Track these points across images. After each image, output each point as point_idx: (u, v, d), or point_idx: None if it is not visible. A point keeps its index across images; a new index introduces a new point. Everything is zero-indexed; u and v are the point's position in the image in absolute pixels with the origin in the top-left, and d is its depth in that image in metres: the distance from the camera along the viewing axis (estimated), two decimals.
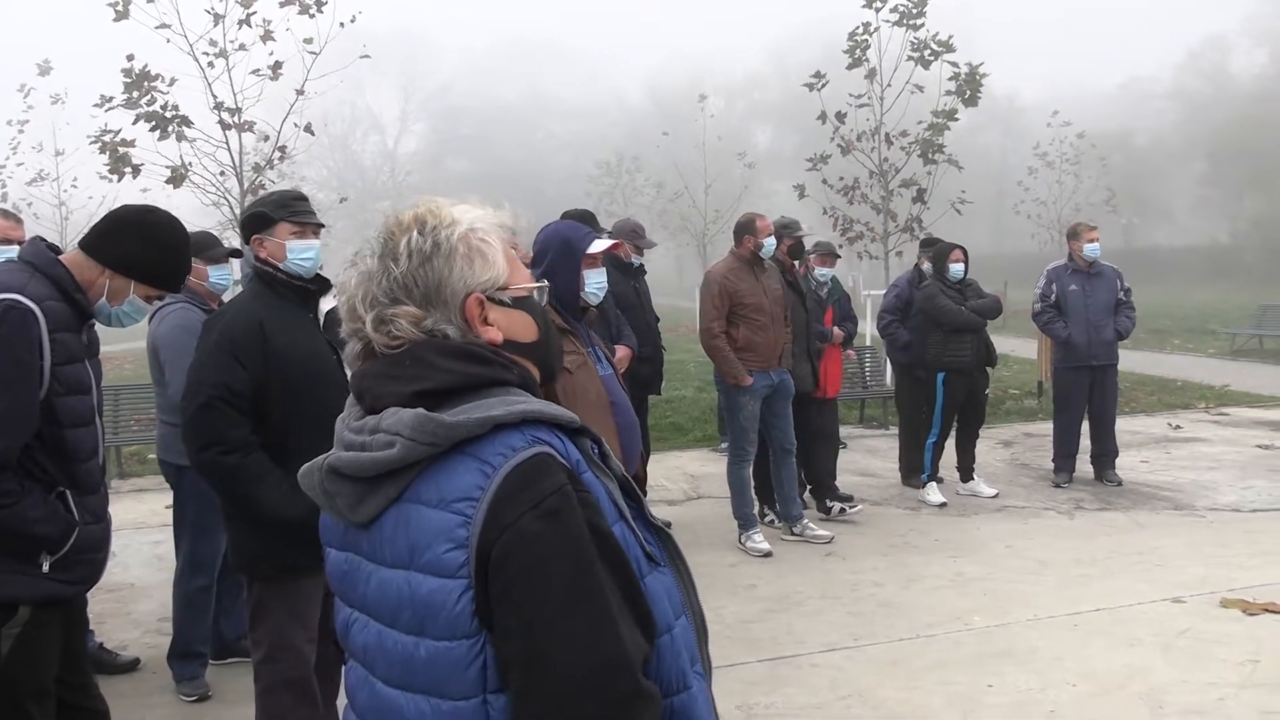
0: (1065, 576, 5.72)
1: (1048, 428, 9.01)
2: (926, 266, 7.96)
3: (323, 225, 3.38)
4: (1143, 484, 7.96)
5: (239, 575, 3.46)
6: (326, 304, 3.34)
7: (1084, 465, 8.14)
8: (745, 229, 6.37)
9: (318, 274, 3.33)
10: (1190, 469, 8.49)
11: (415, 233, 1.38)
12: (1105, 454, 8.05)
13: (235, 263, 4.83)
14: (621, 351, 5.71)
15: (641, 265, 6.89)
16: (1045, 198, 28.07)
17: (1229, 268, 42.20)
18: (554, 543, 1.22)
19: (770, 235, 6.31)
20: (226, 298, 4.62)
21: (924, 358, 7.71)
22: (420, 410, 1.28)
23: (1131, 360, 8.37)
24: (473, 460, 1.26)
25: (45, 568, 2.61)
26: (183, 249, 2.87)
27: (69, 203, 19.44)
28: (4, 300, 2.50)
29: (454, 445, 1.27)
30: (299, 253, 3.27)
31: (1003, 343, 7.98)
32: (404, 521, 1.30)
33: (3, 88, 19.17)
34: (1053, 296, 8.00)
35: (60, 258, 2.69)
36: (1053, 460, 8.20)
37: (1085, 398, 7.99)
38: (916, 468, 8.00)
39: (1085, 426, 8.12)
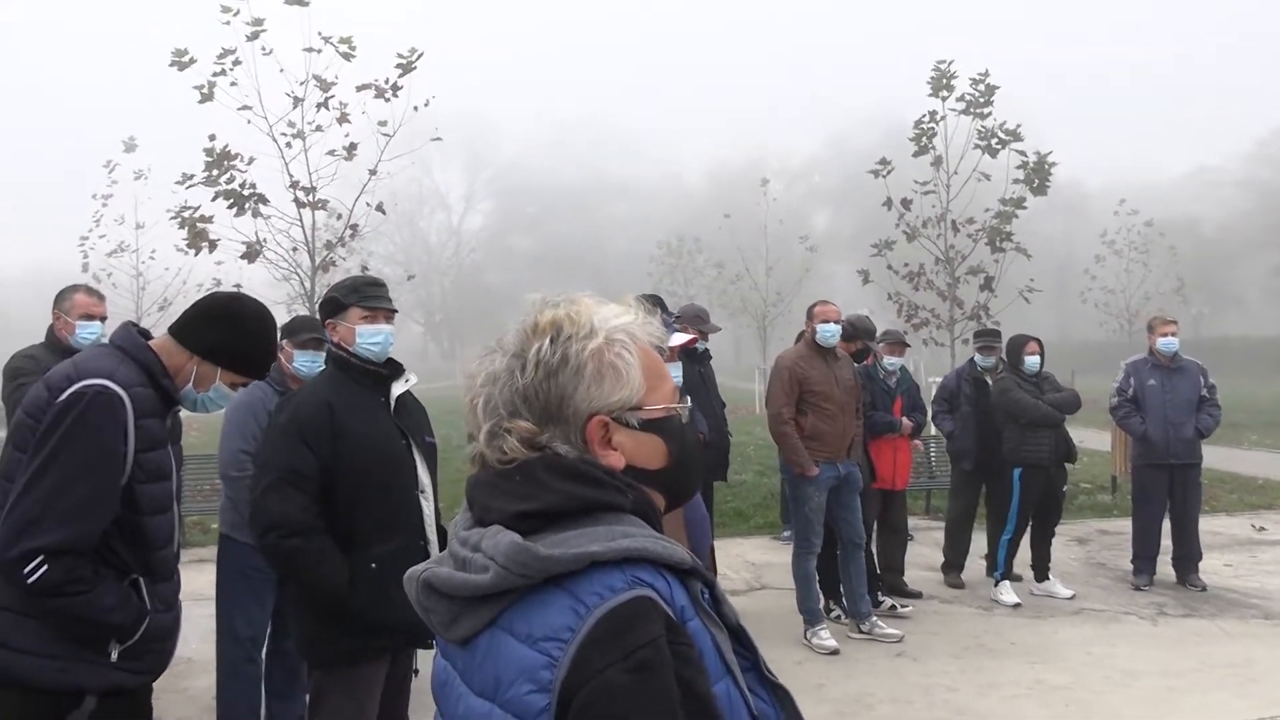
0: (1153, 689, 5.40)
1: (1123, 525, 8.68)
2: (978, 358, 7.79)
3: (395, 310, 3.37)
4: (1228, 589, 7.57)
5: (300, 659, 3.40)
6: (399, 388, 3.31)
7: (1164, 567, 7.78)
8: (808, 314, 6.32)
9: (390, 358, 3.31)
10: (1278, 574, 8.07)
11: (547, 341, 1.29)
12: (1188, 557, 7.68)
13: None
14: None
15: (707, 350, 6.84)
16: (1113, 286, 27.67)
17: None
18: (638, 700, 1.11)
19: (828, 321, 6.20)
20: None
21: (969, 450, 7.60)
22: (515, 539, 1.20)
23: (1209, 457, 8.03)
24: (566, 597, 1.17)
25: (114, 656, 2.55)
26: (270, 337, 2.86)
27: (146, 273, 19.99)
28: (94, 386, 2.49)
29: (550, 578, 1.19)
30: (368, 337, 3.26)
31: (1073, 434, 7.71)
32: (494, 650, 1.22)
33: (91, 163, 19.90)
34: (1130, 391, 7.75)
35: (151, 343, 2.69)
36: (1132, 561, 7.84)
37: (1165, 496, 7.67)
38: (956, 564, 7.82)
39: (1165, 526, 7.77)
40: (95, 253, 19.81)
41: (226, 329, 2.74)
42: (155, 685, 5.57)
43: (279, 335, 4.65)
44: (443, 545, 3.37)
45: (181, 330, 2.73)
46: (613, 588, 1.16)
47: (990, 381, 7.64)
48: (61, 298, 4.72)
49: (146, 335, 2.71)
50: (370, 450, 3.17)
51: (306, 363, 4.49)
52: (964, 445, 7.68)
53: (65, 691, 2.50)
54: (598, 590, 1.16)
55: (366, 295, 3.31)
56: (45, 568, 2.37)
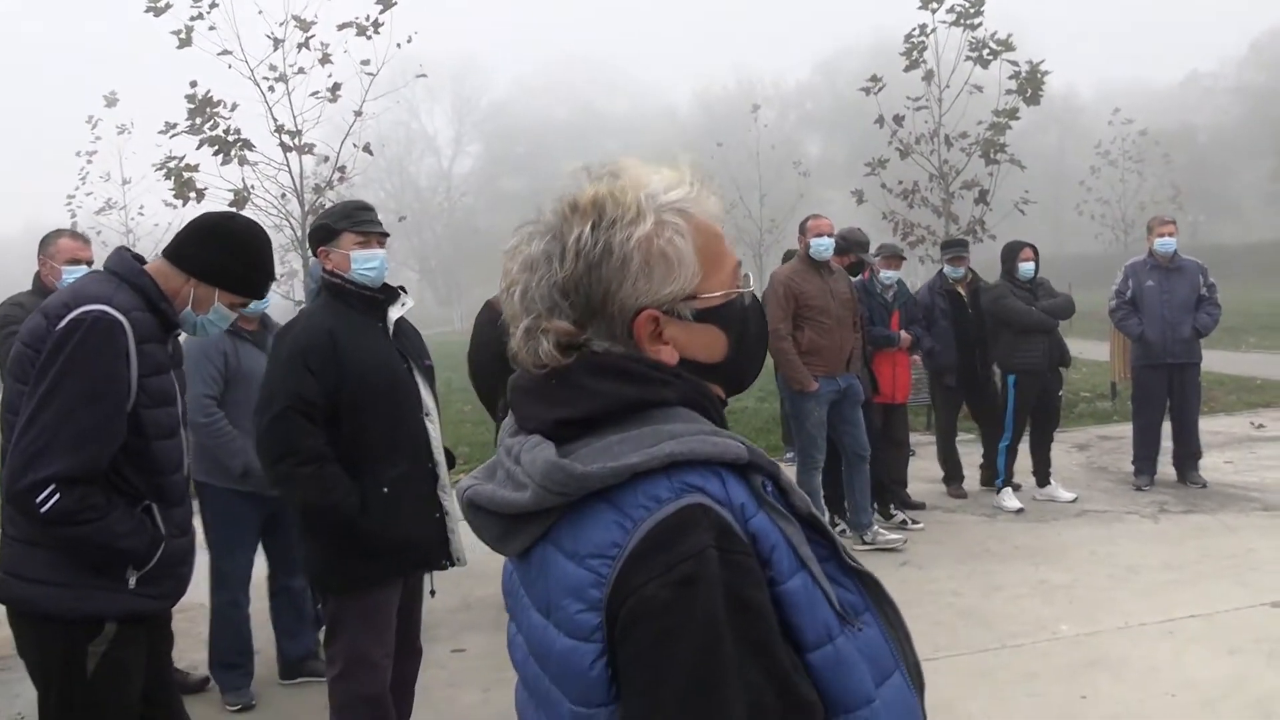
0: (1155, 582, 5.49)
1: (1124, 430, 8.75)
2: (948, 269, 7.71)
3: (387, 234, 3.35)
4: (1229, 485, 7.66)
5: (314, 590, 3.44)
6: (395, 313, 3.31)
7: (1165, 467, 7.86)
8: (801, 230, 6.30)
9: (385, 283, 3.30)
10: (1277, 468, 8.16)
11: (588, 227, 1.16)
12: (1189, 455, 7.76)
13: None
14: None
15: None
16: (1108, 197, 27.48)
17: None
18: (680, 618, 1.04)
19: (821, 235, 6.18)
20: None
21: (950, 364, 7.60)
22: (550, 456, 1.12)
23: (1208, 359, 8.06)
24: (612, 511, 1.09)
25: (132, 583, 2.57)
26: (265, 255, 2.82)
27: (136, 230, 19.84)
28: (92, 311, 2.46)
29: (594, 491, 1.11)
30: (363, 262, 3.25)
31: (1071, 345, 7.73)
32: (546, 566, 1.16)
33: (72, 120, 19.67)
34: (1129, 293, 7.75)
35: (145, 267, 2.66)
36: (1133, 462, 7.92)
37: (1164, 397, 7.72)
38: (955, 474, 7.91)
39: (1166, 428, 7.84)
40: (83, 211, 19.66)
41: (221, 248, 2.71)
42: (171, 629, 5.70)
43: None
44: (450, 466, 3.41)
45: (176, 252, 2.70)
46: (658, 498, 1.08)
47: (963, 293, 7.63)
48: (46, 243, 4.65)
49: (141, 260, 2.69)
50: (374, 375, 3.18)
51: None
52: (945, 360, 7.65)
53: (84, 620, 2.52)
54: (643, 502, 1.08)
55: (359, 220, 3.28)
56: (57, 496, 2.38)
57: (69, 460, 2.39)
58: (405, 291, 3.44)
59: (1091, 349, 15.61)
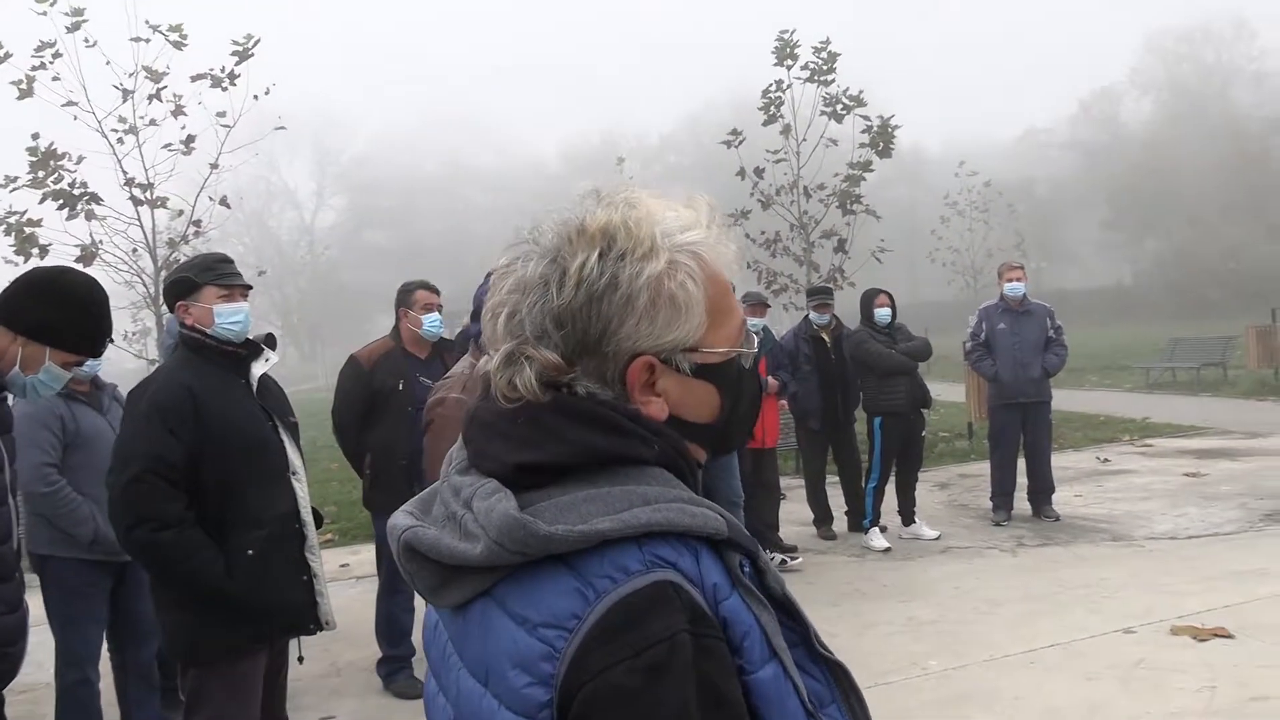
0: (1016, 614, 5.71)
1: (982, 468, 9.10)
2: (813, 316, 7.96)
3: (250, 287, 3.26)
4: (1080, 518, 8.05)
5: (168, 661, 3.26)
6: (259, 369, 3.20)
7: (1021, 503, 8.22)
8: None
9: (247, 338, 3.20)
10: (1123, 500, 8.63)
11: (594, 255, 1.04)
12: (1042, 490, 8.14)
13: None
14: None
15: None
16: (958, 245, 28.84)
17: (1134, 306, 43.85)
18: (648, 708, 0.92)
19: None
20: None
21: (814, 408, 7.82)
22: (510, 511, 0.99)
23: (1055, 399, 8.49)
24: (572, 577, 0.98)
25: None
26: (101, 312, 2.68)
27: None
28: None
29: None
30: (228, 316, 3.14)
31: (929, 387, 8.04)
32: (487, 627, 1.03)
33: None
34: (983, 335, 8.13)
35: None
36: (991, 499, 8.25)
37: (1018, 435, 8.09)
38: (825, 516, 8.10)
39: (1021, 464, 8.20)
40: None
41: (51, 305, 2.57)
42: (12, 715, 5.32)
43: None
44: (318, 525, 3.30)
45: (3, 309, 2.55)
46: (626, 569, 0.97)
47: (827, 339, 7.87)
48: None
49: None
50: (237, 434, 3.06)
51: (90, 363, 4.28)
52: (809, 404, 7.86)
53: None
54: (609, 572, 0.97)
55: (222, 273, 3.18)
56: None
57: None
58: (273, 346, 3.34)
59: (949, 390, 16.24)
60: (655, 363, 1.07)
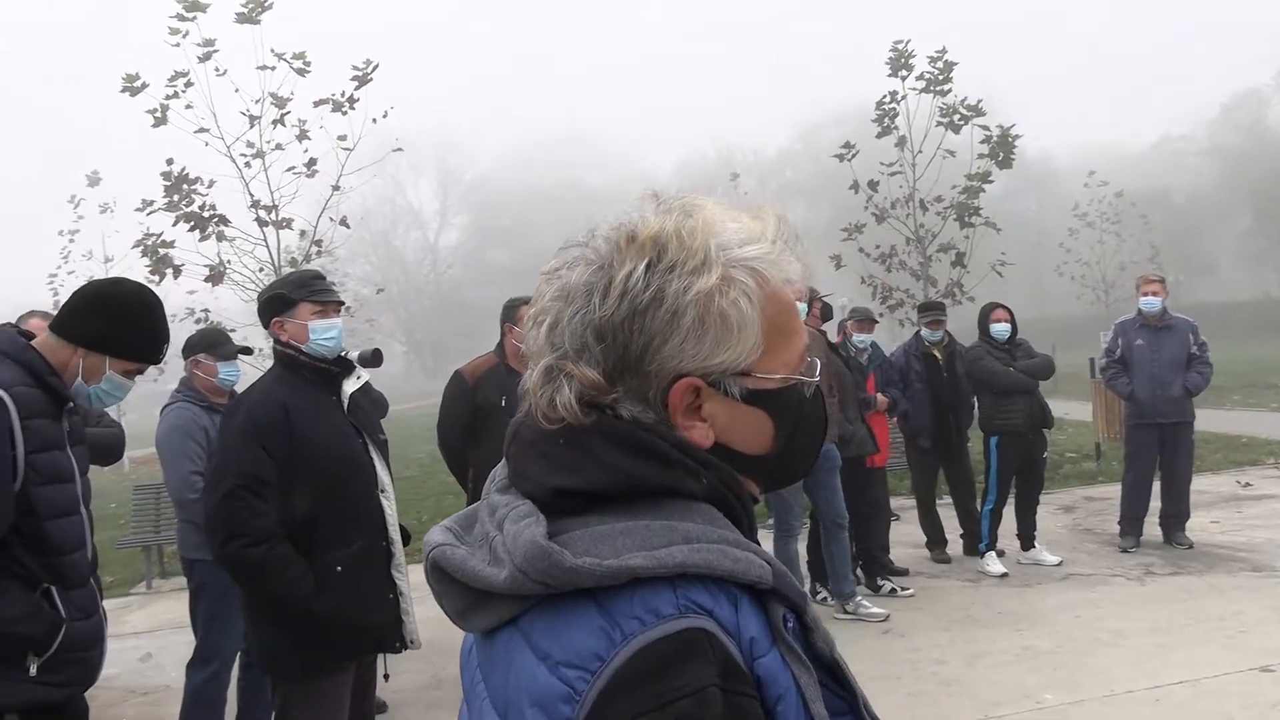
0: (1141, 647, 5.38)
1: (1109, 491, 8.68)
2: (925, 332, 7.74)
3: (344, 304, 3.30)
4: (1216, 545, 7.57)
5: (263, 674, 3.32)
6: (350, 386, 3.24)
7: (1152, 528, 7.77)
8: None
9: (340, 355, 3.24)
10: (1265, 528, 8.08)
11: (642, 265, 0.97)
12: (1176, 515, 7.68)
13: (243, 360, 4.78)
14: None
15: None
16: (1088, 258, 27.79)
17: None
18: None
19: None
20: None
21: (925, 427, 7.59)
22: (537, 539, 0.93)
23: (1200, 418, 8.01)
24: (599, 615, 0.91)
25: (32, 671, 2.45)
26: (154, 319, 2.74)
27: None
28: None
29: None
30: (322, 333, 3.18)
31: (1056, 406, 7.70)
32: (511, 659, 0.97)
33: (56, 199, 19.77)
34: (1118, 351, 7.74)
35: (33, 343, 2.59)
36: (1119, 523, 7.83)
37: (1154, 456, 7.66)
38: (938, 538, 7.81)
39: (1155, 487, 7.76)
40: (65, 290, 19.69)
41: (106, 315, 2.63)
42: (130, 713, 5.54)
43: (190, 349, 4.62)
44: (405, 543, 3.31)
45: (61, 323, 2.63)
46: (658, 612, 0.90)
47: (939, 356, 7.63)
48: (19, 323, 4.59)
49: (29, 336, 2.61)
50: (328, 451, 3.10)
51: (231, 374, 4.48)
52: (919, 423, 7.65)
53: None
54: (638, 614, 0.90)
55: (316, 289, 3.23)
56: None
57: None
58: (378, 363, 3.38)
59: (1077, 409, 15.61)
60: (701, 385, 0.99)
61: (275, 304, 3.20)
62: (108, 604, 7.99)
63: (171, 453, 4.39)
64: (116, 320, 2.64)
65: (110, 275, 18.34)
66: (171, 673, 6.24)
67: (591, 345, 0.98)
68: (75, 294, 2.68)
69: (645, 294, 0.96)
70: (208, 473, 3.09)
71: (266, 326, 3.25)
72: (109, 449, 4.66)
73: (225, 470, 2.99)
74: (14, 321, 4.71)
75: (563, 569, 0.91)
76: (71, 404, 2.64)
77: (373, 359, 3.57)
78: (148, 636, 7.10)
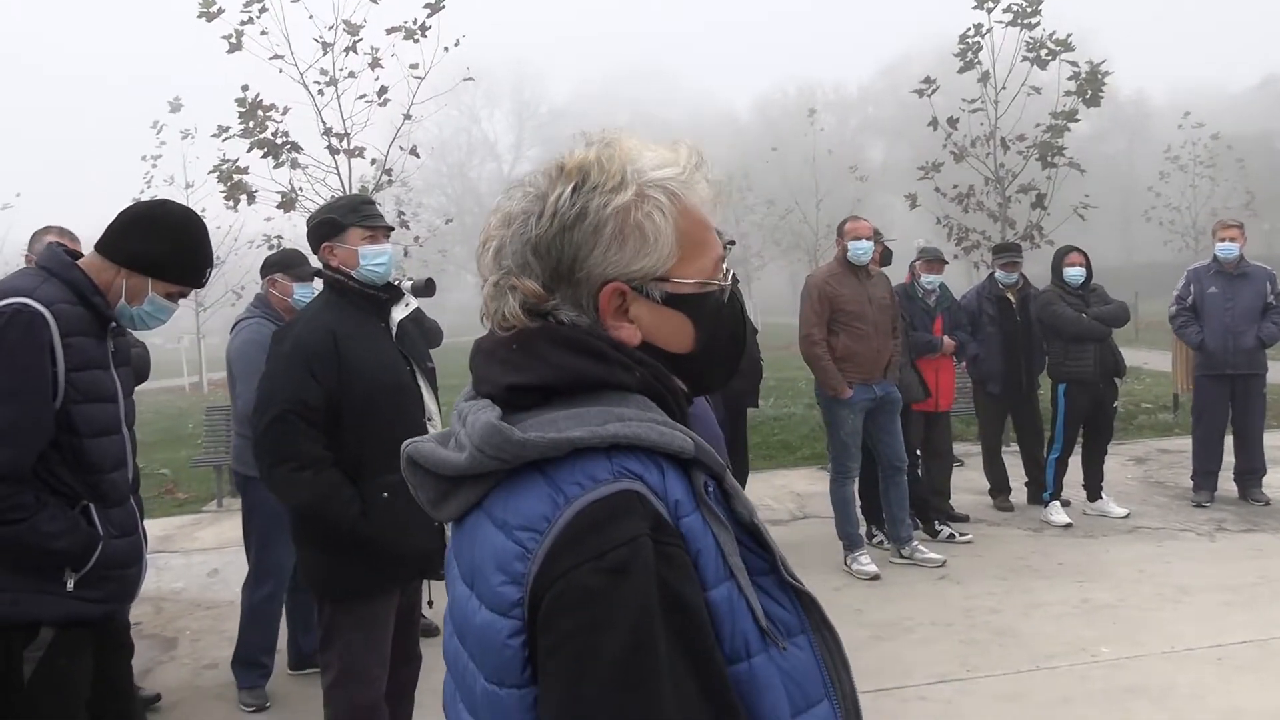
0: (1206, 605, 5.23)
1: (1184, 444, 8.41)
2: (1000, 275, 7.52)
3: (392, 229, 3.28)
4: None
5: (311, 596, 3.38)
6: (399, 313, 3.24)
7: (1226, 484, 7.53)
8: (838, 231, 6.14)
9: (389, 281, 3.23)
10: None
11: (569, 189, 1.12)
12: (1250, 471, 7.43)
13: (319, 282, 4.81)
14: None
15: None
16: (1178, 203, 26.70)
17: None
18: (610, 608, 0.98)
19: (860, 238, 5.98)
20: None
21: (995, 371, 7.40)
22: (490, 420, 1.07)
23: (1272, 371, 7.71)
24: (546, 484, 1.05)
25: (70, 586, 2.50)
26: (197, 241, 2.73)
27: None
28: (11, 305, 2.41)
29: (531, 462, 1.07)
30: (372, 258, 3.17)
31: (1135, 355, 7.47)
32: (476, 533, 1.11)
33: (139, 123, 20.11)
34: (1189, 299, 7.45)
35: (78, 262, 2.60)
36: (1191, 477, 7.60)
37: (1225, 409, 7.40)
38: (1002, 485, 7.64)
39: (1229, 442, 7.50)
40: None
41: (149, 236, 2.62)
42: (195, 626, 5.73)
43: (268, 267, 4.65)
44: None
45: (105, 243, 2.62)
46: (595, 477, 1.03)
47: (1013, 299, 7.41)
48: (34, 239, 4.56)
49: (75, 255, 2.62)
50: (376, 378, 3.09)
51: (306, 294, 4.49)
52: (989, 367, 7.46)
53: (18, 625, 2.45)
54: (579, 479, 1.04)
55: (366, 214, 3.20)
56: None
57: None
58: (431, 292, 3.38)
59: (1157, 359, 15.14)
60: (626, 289, 1.13)
61: (324, 229, 3.18)
62: (180, 520, 8.28)
63: (245, 367, 4.40)
64: (160, 242, 2.63)
65: (189, 200, 18.69)
66: (235, 588, 6.38)
67: (531, 261, 1.13)
68: (120, 214, 2.67)
69: (571, 211, 1.11)
70: (258, 398, 3.10)
71: (316, 251, 3.24)
72: (135, 371, 4.72)
73: (273, 396, 3.00)
74: (35, 234, 4.74)
75: (512, 442, 1.05)
76: (115, 324, 2.66)
77: (425, 289, 3.56)
78: (215, 553, 7.33)
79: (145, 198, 19.10)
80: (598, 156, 1.14)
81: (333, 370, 3.03)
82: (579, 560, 0.99)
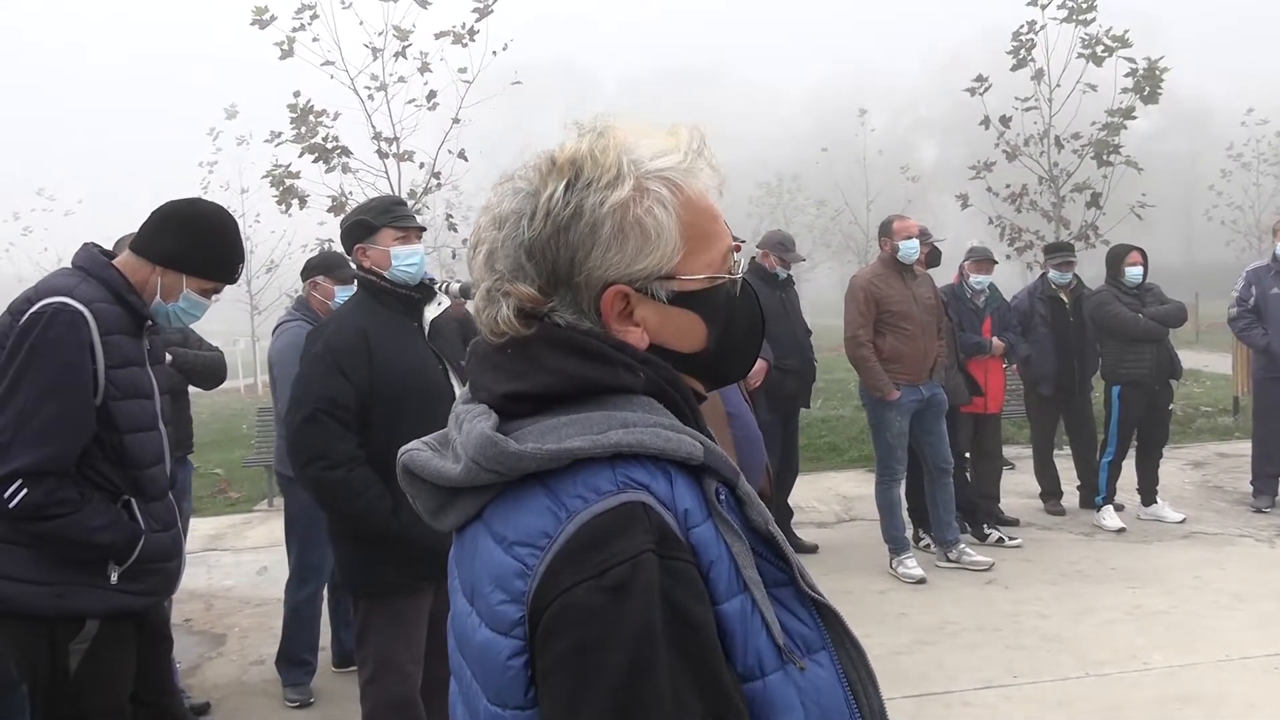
0: (1264, 613, 5.07)
1: (1244, 448, 8.19)
2: (1053, 274, 7.36)
3: (424, 229, 3.30)
4: None
5: (346, 592, 3.41)
6: (431, 312, 3.25)
7: None
8: (884, 230, 6.05)
9: (422, 281, 3.25)
10: None
11: (561, 186, 1.04)
12: None
13: None
14: (756, 364, 5.48)
15: (789, 277, 6.75)
16: (1241, 202, 26.06)
17: None
18: (611, 626, 0.93)
19: (910, 238, 5.89)
20: None
21: (1048, 373, 7.24)
22: (485, 430, 1.02)
23: None
24: (547, 497, 1.00)
25: (113, 579, 2.55)
26: (229, 238, 2.77)
27: (253, 237, 20.59)
28: (52, 304, 2.46)
29: (532, 473, 1.01)
30: (404, 259, 3.19)
31: (1195, 358, 7.30)
32: (476, 547, 1.06)
33: (196, 130, 20.51)
34: (1251, 300, 7.24)
35: (114, 261, 2.65)
36: (1251, 482, 7.39)
37: None
38: (1053, 489, 7.50)
39: None
40: None
41: (181, 234, 2.67)
42: (243, 623, 5.82)
43: (309, 270, 4.70)
44: None
45: (140, 242, 2.68)
46: (598, 489, 0.98)
47: (1066, 300, 7.27)
48: (117, 246, 4.71)
49: (110, 255, 2.67)
50: (408, 377, 3.11)
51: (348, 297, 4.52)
52: (1042, 369, 7.29)
53: (64, 617, 2.51)
54: (581, 492, 0.98)
55: (398, 215, 3.23)
56: (25, 491, 2.37)
57: (34, 454, 2.38)
58: (443, 289, 3.39)
59: (1217, 361, 14.77)
60: (629, 291, 1.07)
61: (357, 230, 3.21)
62: (232, 519, 8.41)
63: (285, 370, 4.43)
64: (193, 239, 2.68)
65: (244, 205, 18.95)
66: (283, 586, 6.52)
67: (525, 265, 1.06)
68: (154, 213, 2.73)
69: (565, 211, 1.04)
70: (290, 398, 3.14)
71: (349, 253, 3.27)
72: (212, 372, 4.80)
73: (306, 395, 3.04)
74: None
75: (508, 455, 1.00)
76: (150, 322, 2.71)
77: (463, 291, 3.58)
78: (265, 551, 7.43)
79: None
80: (590, 149, 1.07)
81: (364, 369, 3.05)
82: (579, 578, 0.95)
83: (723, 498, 1.04)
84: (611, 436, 1.00)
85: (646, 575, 0.94)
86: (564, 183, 1.05)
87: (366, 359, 3.05)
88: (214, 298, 2.81)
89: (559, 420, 1.03)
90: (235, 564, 7.25)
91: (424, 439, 1.19)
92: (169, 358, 4.75)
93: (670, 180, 1.08)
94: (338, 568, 3.31)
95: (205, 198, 2.92)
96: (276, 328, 4.71)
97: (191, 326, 5.14)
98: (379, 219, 3.20)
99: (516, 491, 1.02)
